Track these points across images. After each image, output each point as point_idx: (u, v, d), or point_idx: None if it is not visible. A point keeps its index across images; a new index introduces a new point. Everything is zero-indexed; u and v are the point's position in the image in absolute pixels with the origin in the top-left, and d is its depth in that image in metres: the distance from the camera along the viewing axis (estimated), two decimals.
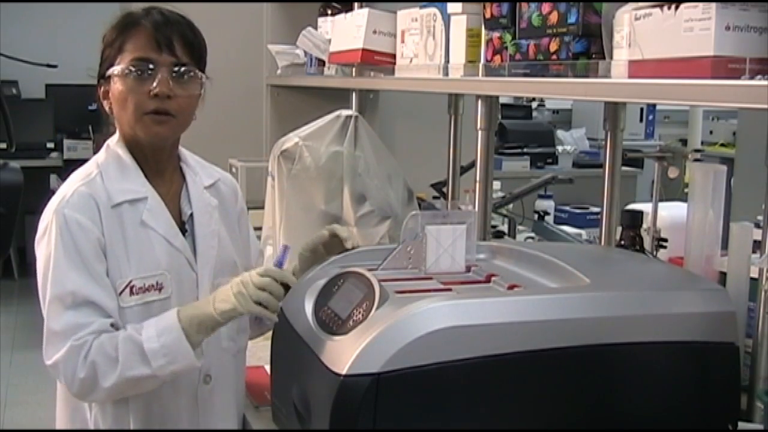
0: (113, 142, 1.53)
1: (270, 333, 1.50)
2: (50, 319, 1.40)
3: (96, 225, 1.43)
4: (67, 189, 1.46)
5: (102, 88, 1.51)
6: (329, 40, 2.60)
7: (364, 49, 2.22)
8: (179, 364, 1.37)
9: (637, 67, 1.16)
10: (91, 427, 1.49)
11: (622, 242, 1.80)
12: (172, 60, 1.46)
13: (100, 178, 1.47)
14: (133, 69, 1.45)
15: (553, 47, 1.38)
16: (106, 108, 1.52)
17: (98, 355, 1.36)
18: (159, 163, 1.53)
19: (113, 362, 1.36)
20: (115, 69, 1.46)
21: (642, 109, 6.43)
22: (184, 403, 1.50)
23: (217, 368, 1.54)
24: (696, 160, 2.08)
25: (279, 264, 1.40)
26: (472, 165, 1.99)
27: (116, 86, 1.46)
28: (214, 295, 1.40)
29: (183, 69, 1.47)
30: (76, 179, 1.49)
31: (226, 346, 1.55)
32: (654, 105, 6.21)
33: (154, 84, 1.44)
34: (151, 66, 1.45)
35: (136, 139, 1.50)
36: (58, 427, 1.54)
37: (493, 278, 1.33)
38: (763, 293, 1.41)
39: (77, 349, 1.37)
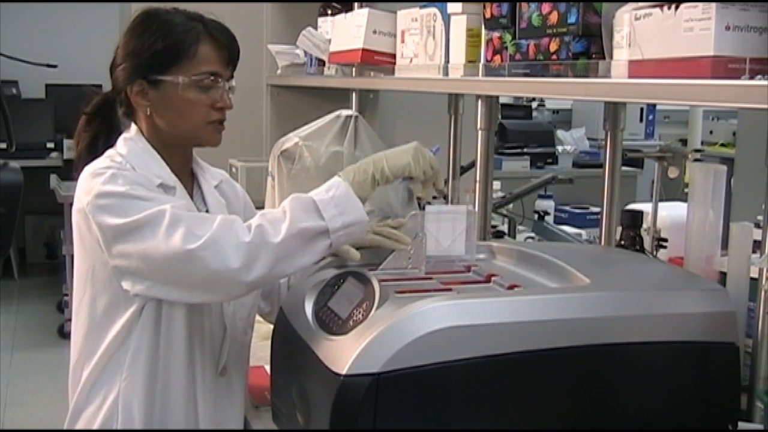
0: (131, 138, 1.53)
1: (270, 333, 1.50)
2: (182, 214, 1.35)
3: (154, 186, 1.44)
4: (102, 165, 1.44)
5: (136, 88, 1.49)
6: (329, 40, 2.60)
7: (364, 49, 2.22)
8: (349, 215, 1.36)
9: (637, 67, 1.16)
10: (107, 406, 1.48)
11: (622, 242, 1.80)
12: (230, 74, 1.53)
13: (130, 167, 1.47)
14: (205, 82, 1.47)
15: (553, 47, 1.38)
16: (143, 108, 1.50)
17: (262, 219, 1.35)
18: (183, 162, 1.56)
19: (280, 219, 1.34)
20: (182, 77, 1.46)
21: (642, 109, 6.43)
22: (202, 394, 1.51)
23: (233, 361, 1.55)
24: (696, 160, 2.08)
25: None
26: (472, 165, 1.99)
27: (180, 94, 1.47)
28: (385, 154, 1.44)
29: (232, 81, 1.53)
30: (101, 164, 1.46)
31: (241, 339, 1.57)
32: (654, 105, 6.21)
33: (219, 97, 1.49)
34: (218, 80, 1.49)
35: (178, 140, 1.52)
36: (68, 418, 1.54)
37: (493, 278, 1.33)
38: (763, 293, 1.41)
39: (228, 220, 1.35)
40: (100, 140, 1.58)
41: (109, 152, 1.51)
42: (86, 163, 1.49)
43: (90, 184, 1.41)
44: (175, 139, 1.52)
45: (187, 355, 1.48)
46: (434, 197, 3.01)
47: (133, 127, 1.54)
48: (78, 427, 1.51)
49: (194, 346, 1.49)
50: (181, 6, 1.54)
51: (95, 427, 1.48)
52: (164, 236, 1.33)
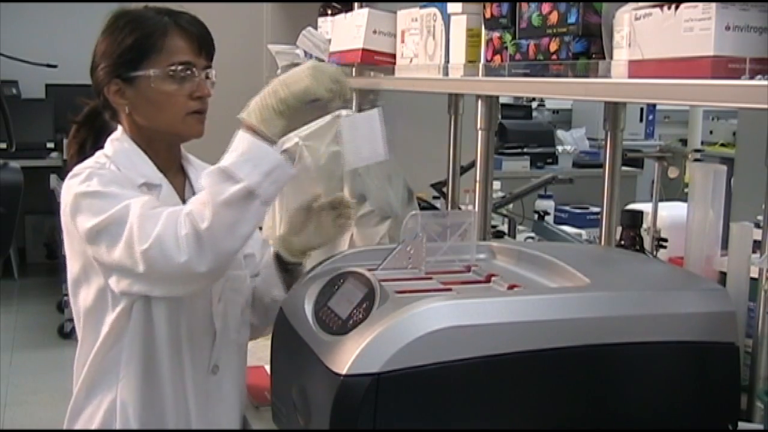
0: (117, 138, 1.54)
1: (270, 333, 1.50)
2: (142, 210, 1.35)
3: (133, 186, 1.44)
4: (85, 165, 1.46)
5: (113, 88, 1.50)
6: (329, 40, 2.60)
7: (364, 49, 2.22)
8: (264, 164, 1.32)
9: (637, 67, 1.16)
10: (105, 406, 1.49)
11: (622, 242, 1.80)
12: (205, 63, 1.52)
13: (114, 167, 1.48)
14: (178, 72, 1.47)
15: (553, 47, 1.38)
16: (122, 107, 1.51)
17: (191, 205, 1.33)
18: (169, 158, 1.57)
19: (203, 200, 1.32)
20: (153, 71, 1.47)
21: (642, 109, 6.43)
22: (193, 393, 1.51)
23: (226, 359, 1.56)
24: (696, 160, 2.08)
25: None
26: (472, 165, 1.99)
27: (153, 87, 1.47)
28: (282, 81, 1.38)
29: (210, 71, 1.54)
30: (82, 165, 1.48)
31: (234, 337, 1.57)
32: (654, 105, 6.20)
33: (197, 86, 1.49)
34: (191, 69, 1.49)
35: (160, 136, 1.52)
36: (68, 415, 1.54)
37: (493, 278, 1.33)
38: (763, 293, 1.41)
39: (174, 214, 1.33)
40: (87, 145, 1.60)
41: (97, 153, 1.53)
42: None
43: (69, 185, 1.44)
44: (158, 135, 1.53)
45: (174, 354, 1.48)
46: (435, 197, 3.02)
47: (119, 127, 1.55)
48: (77, 427, 1.51)
49: (182, 346, 1.49)
50: (182, 6, 1.55)
51: (94, 427, 1.49)
52: (126, 236, 1.34)
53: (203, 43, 1.52)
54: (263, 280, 1.63)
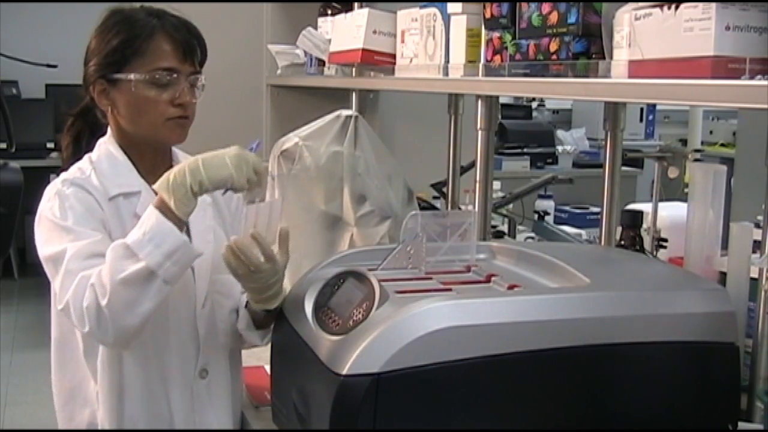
0: (104, 141, 1.54)
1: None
2: (68, 263, 1.35)
3: (98, 209, 1.44)
4: (61, 178, 1.47)
5: (98, 87, 1.49)
6: (329, 40, 2.60)
7: (364, 49, 2.22)
8: (167, 244, 1.30)
9: (637, 67, 1.16)
10: (86, 419, 1.49)
11: (622, 242, 1.80)
12: (191, 69, 1.50)
13: (94, 174, 1.48)
14: (162, 77, 1.45)
15: (553, 47, 1.38)
16: (106, 107, 1.51)
17: (95, 276, 1.31)
18: (155, 162, 1.54)
19: (105, 274, 1.31)
20: (135, 75, 1.45)
21: (642, 109, 6.44)
22: (179, 397, 1.50)
23: (215, 364, 1.54)
24: (696, 160, 2.08)
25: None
26: (472, 165, 1.99)
27: (134, 91, 1.46)
28: (205, 163, 1.32)
29: (198, 77, 1.51)
30: (68, 174, 1.49)
31: (223, 341, 1.56)
32: (654, 105, 6.21)
33: (178, 93, 1.47)
34: (175, 75, 1.47)
35: (141, 139, 1.51)
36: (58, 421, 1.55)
37: (493, 278, 1.33)
38: (763, 293, 1.41)
39: (85, 279, 1.32)
40: (83, 140, 1.59)
41: (84, 157, 1.53)
42: (70, 165, 1.52)
43: (44, 193, 1.45)
44: (139, 138, 1.51)
45: (154, 357, 1.48)
46: (435, 197, 3.02)
47: (110, 128, 1.55)
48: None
49: (164, 349, 1.48)
50: (181, 6, 1.54)
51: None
52: (55, 283, 1.37)
53: (189, 50, 1.49)
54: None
